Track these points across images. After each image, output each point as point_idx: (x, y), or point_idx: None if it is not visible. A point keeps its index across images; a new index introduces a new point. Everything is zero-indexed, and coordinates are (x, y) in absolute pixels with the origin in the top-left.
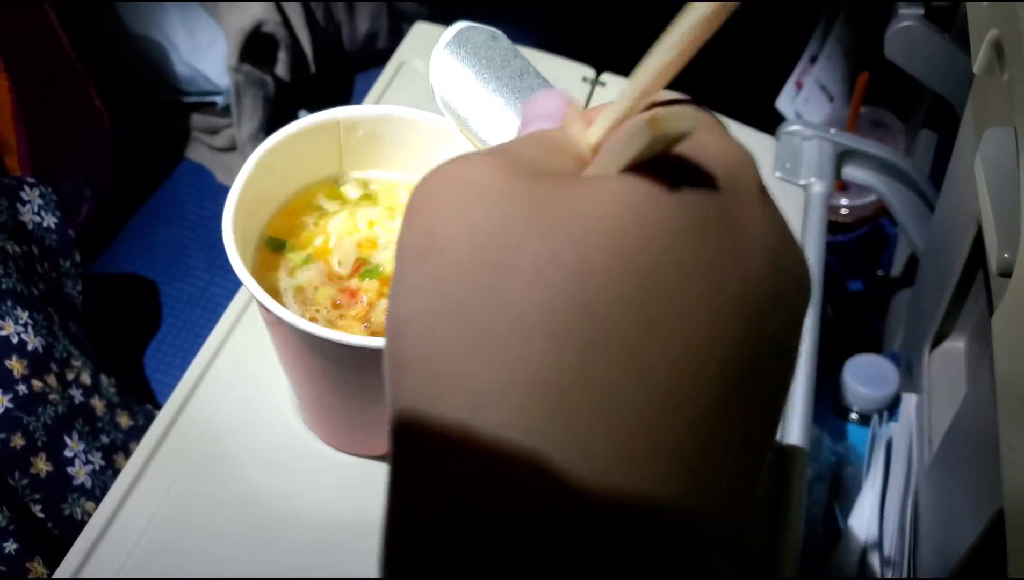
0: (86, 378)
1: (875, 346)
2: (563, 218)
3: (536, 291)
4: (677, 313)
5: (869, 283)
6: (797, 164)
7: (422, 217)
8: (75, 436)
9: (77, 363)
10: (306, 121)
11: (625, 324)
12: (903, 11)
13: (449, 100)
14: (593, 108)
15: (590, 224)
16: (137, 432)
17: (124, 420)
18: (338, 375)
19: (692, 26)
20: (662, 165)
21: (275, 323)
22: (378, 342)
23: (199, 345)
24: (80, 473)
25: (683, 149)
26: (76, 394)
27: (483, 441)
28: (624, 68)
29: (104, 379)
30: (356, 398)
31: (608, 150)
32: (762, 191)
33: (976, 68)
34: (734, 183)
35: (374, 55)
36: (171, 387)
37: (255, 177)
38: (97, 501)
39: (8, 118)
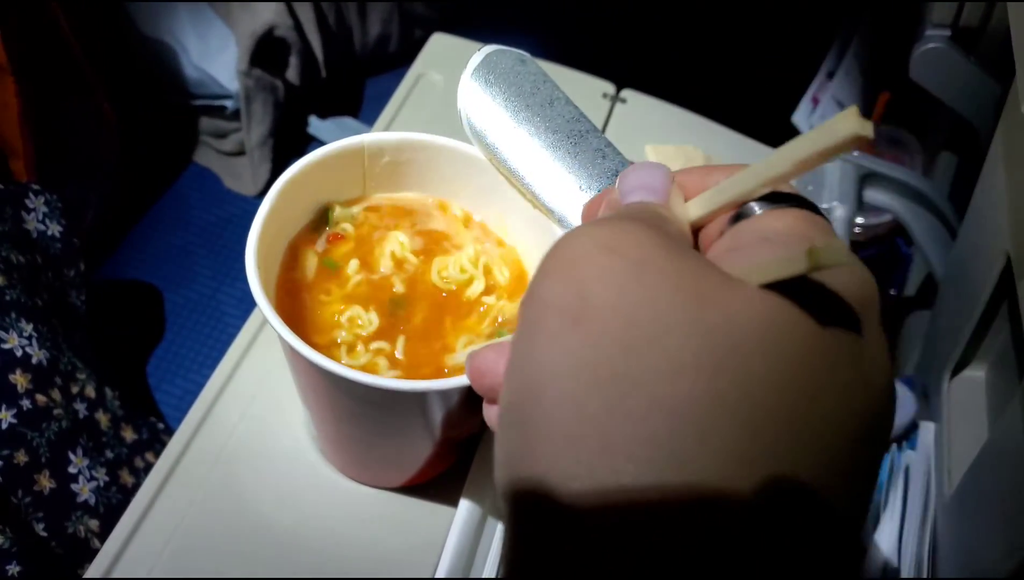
0: (90, 391)
1: None
2: (720, 319)
3: (695, 386)
4: (815, 430)
5: (882, 303)
6: (820, 187)
7: (571, 280)
8: (79, 452)
9: (82, 376)
10: (330, 148)
11: (776, 436)
12: (930, 32)
13: (478, 129)
14: (685, 173)
15: (750, 334)
16: (141, 446)
17: (128, 434)
18: (362, 411)
19: (827, 147)
20: (802, 287)
21: (298, 359)
22: (405, 385)
23: (204, 354)
24: (84, 490)
25: (821, 274)
26: (80, 408)
27: (626, 499)
28: (645, 84)
29: (109, 392)
30: (378, 433)
31: (753, 261)
32: (881, 316)
33: None
34: (862, 309)
35: (385, 59)
36: (176, 398)
37: (278, 206)
38: (100, 519)
39: (15, 121)
